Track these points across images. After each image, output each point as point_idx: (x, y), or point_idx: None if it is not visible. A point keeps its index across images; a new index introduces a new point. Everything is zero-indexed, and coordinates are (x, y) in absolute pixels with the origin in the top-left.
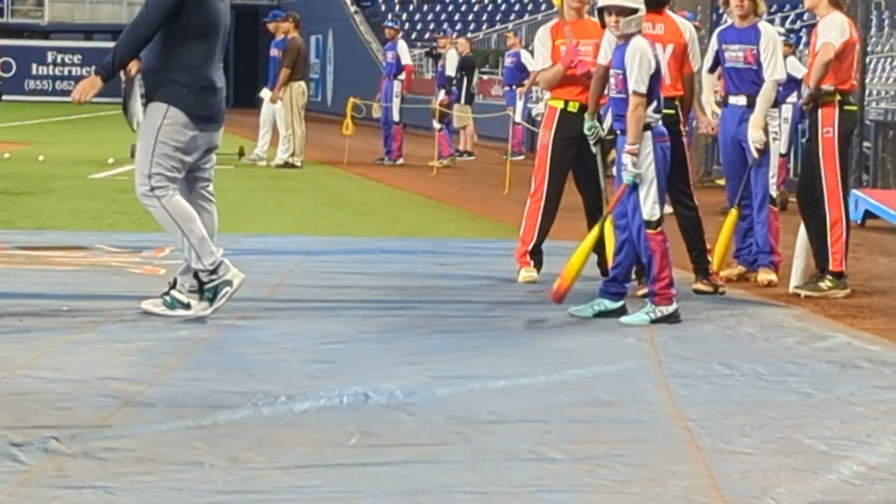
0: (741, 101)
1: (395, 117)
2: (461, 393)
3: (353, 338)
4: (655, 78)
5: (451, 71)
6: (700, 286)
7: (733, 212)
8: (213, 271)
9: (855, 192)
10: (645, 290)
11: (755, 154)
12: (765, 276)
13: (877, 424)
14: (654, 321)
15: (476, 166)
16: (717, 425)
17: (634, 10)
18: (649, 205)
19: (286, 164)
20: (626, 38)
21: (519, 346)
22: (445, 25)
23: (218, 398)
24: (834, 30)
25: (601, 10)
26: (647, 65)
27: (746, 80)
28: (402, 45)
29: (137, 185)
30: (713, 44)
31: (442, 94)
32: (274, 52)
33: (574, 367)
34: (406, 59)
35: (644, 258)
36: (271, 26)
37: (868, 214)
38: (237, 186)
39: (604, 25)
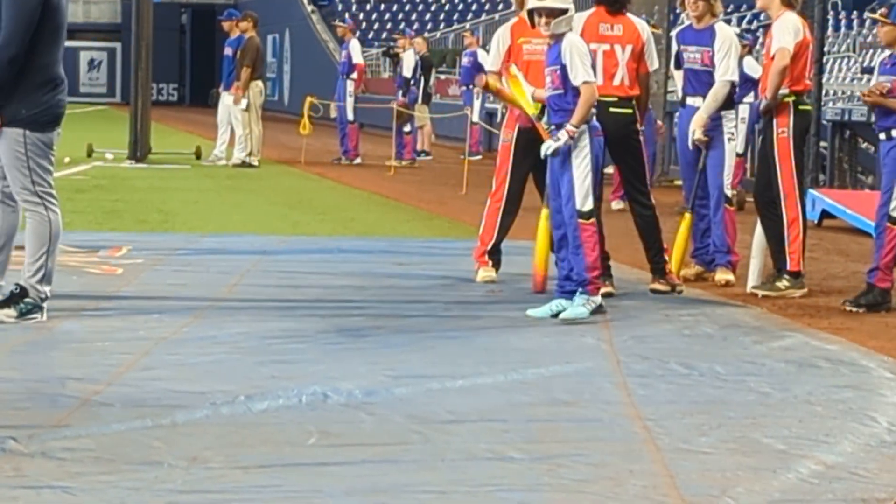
0: (698, 102)
1: (350, 116)
2: (420, 392)
3: (312, 337)
4: None
5: (407, 72)
6: (657, 286)
7: (687, 216)
8: (43, 298)
9: (812, 191)
10: (609, 289)
11: (693, 145)
12: (722, 275)
13: (835, 423)
14: (592, 312)
15: (433, 166)
16: (676, 425)
17: (564, 11)
18: (581, 196)
19: (243, 164)
20: (557, 38)
21: (478, 345)
22: (403, 25)
23: (176, 398)
24: (788, 33)
25: (531, 12)
26: (587, 55)
27: (704, 81)
28: (353, 44)
29: (20, 193)
30: (674, 44)
31: (400, 96)
32: (228, 50)
33: (533, 366)
34: (357, 58)
35: (573, 248)
36: (226, 25)
37: (825, 214)
38: (194, 186)
39: (534, 25)
